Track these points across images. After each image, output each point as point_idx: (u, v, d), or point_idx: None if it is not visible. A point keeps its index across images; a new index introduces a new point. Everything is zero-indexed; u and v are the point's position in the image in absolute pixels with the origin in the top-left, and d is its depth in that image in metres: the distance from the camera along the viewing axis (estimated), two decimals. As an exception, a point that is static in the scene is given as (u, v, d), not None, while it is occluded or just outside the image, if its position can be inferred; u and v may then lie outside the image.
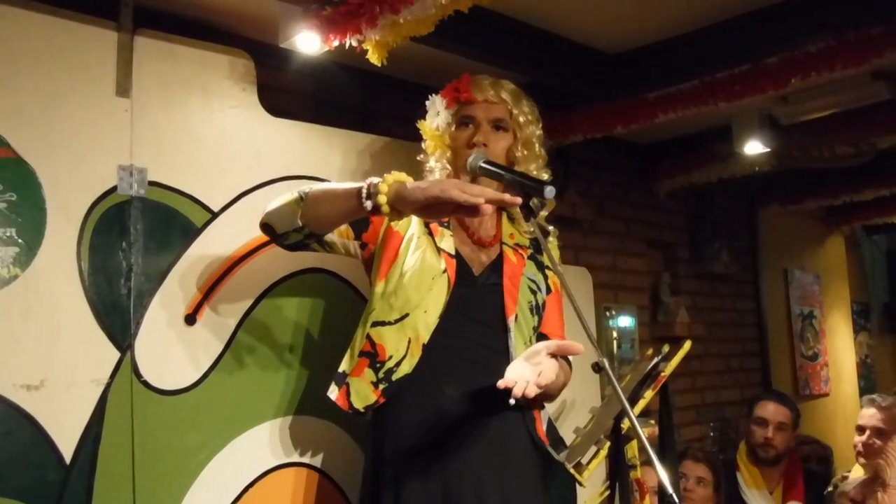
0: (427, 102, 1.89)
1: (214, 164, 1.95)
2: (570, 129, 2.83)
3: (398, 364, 1.69)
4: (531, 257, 1.85)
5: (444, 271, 1.72)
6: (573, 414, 2.61)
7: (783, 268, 4.77)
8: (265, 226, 1.72)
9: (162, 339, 1.81)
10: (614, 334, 3.40)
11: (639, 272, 3.70)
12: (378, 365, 1.70)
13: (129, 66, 1.82)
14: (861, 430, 2.81)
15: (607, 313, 3.38)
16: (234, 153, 1.99)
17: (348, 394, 1.72)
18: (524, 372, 1.50)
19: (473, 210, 1.44)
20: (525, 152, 1.84)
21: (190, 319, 1.86)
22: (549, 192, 1.52)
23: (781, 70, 2.39)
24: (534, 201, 1.62)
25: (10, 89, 1.65)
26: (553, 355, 1.55)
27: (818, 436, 4.06)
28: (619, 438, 2.12)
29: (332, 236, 1.73)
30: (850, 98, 2.85)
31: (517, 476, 1.69)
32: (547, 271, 1.86)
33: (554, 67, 2.59)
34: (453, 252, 1.75)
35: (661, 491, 2.13)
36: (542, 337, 1.81)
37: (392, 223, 1.75)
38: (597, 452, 2.15)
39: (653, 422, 2.78)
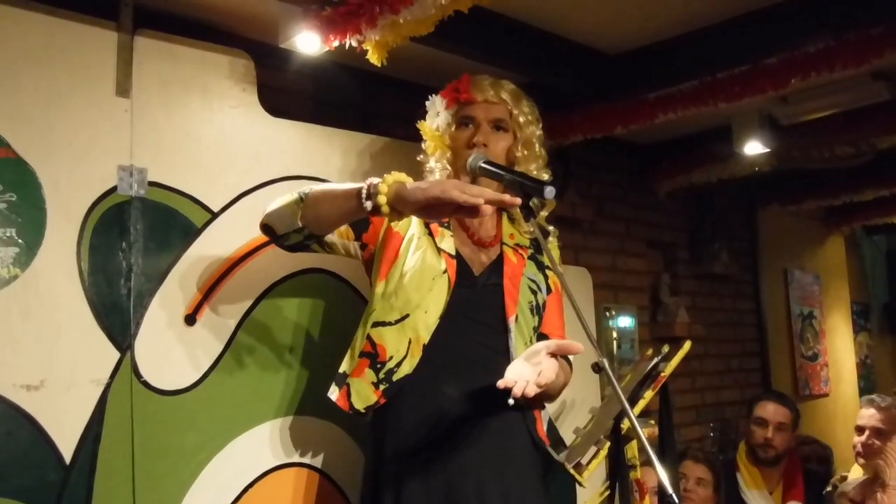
0: (427, 103, 1.90)
1: (214, 164, 1.95)
2: (569, 129, 2.83)
3: (399, 364, 1.69)
4: (531, 257, 1.85)
5: (445, 272, 1.72)
6: (573, 414, 2.61)
7: (783, 268, 4.77)
8: (265, 227, 1.72)
9: (162, 339, 1.81)
10: (614, 334, 3.40)
11: (638, 272, 3.70)
12: (378, 365, 1.70)
13: (129, 67, 1.82)
14: (860, 430, 2.81)
15: (607, 313, 3.38)
16: (234, 153, 1.99)
17: (349, 394, 1.72)
18: (524, 372, 1.50)
19: (473, 210, 1.44)
20: (525, 152, 1.84)
21: (190, 320, 1.86)
22: (549, 192, 1.52)
23: (781, 70, 2.39)
24: (534, 201, 1.63)
25: (10, 89, 1.65)
26: (553, 355, 1.56)
27: (818, 436, 4.06)
28: (618, 439, 2.12)
29: (332, 237, 1.73)
30: (849, 98, 2.85)
31: (517, 476, 1.69)
32: (547, 271, 1.87)
33: (554, 67, 2.59)
34: (454, 252, 1.75)
35: (660, 491, 2.13)
36: (542, 337, 1.81)
37: (392, 224, 1.75)
38: (597, 453, 2.15)
39: (653, 422, 2.78)
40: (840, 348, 5.30)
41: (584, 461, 2.12)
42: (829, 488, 3.06)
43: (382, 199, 1.48)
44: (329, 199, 1.60)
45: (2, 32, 1.65)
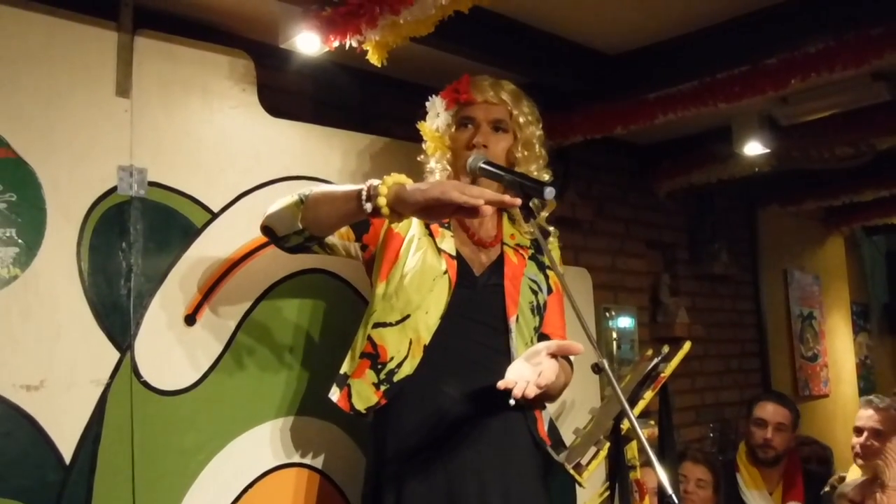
0: (427, 103, 1.89)
1: (214, 164, 1.95)
2: (569, 129, 2.83)
3: (399, 365, 1.69)
4: (532, 257, 1.85)
5: (445, 272, 1.72)
6: (573, 414, 2.61)
7: (783, 268, 4.76)
8: (266, 229, 1.72)
9: (162, 339, 1.81)
10: (614, 335, 3.40)
11: (638, 273, 3.70)
12: (379, 366, 1.70)
13: (129, 67, 1.82)
14: (859, 431, 2.81)
15: (607, 314, 3.38)
16: (234, 153, 1.99)
17: (350, 395, 1.72)
18: (524, 372, 1.51)
19: (473, 211, 1.44)
20: (525, 153, 1.83)
21: (190, 320, 1.86)
22: (549, 192, 1.52)
23: (781, 71, 2.39)
24: (534, 202, 1.63)
25: (10, 89, 1.65)
26: (553, 355, 1.56)
27: (818, 436, 4.06)
28: (618, 439, 2.12)
29: (332, 238, 1.74)
30: (849, 99, 2.85)
31: (518, 476, 1.69)
32: (548, 271, 1.87)
33: (554, 68, 2.59)
34: (454, 253, 1.75)
35: (660, 491, 2.13)
36: (543, 337, 1.81)
37: (392, 225, 1.75)
38: (596, 453, 2.15)
39: (652, 422, 2.78)
40: (840, 349, 5.30)
41: (583, 461, 2.12)
42: (826, 489, 3.06)
43: (382, 201, 1.48)
44: (329, 201, 1.60)
45: (2, 32, 1.65)
